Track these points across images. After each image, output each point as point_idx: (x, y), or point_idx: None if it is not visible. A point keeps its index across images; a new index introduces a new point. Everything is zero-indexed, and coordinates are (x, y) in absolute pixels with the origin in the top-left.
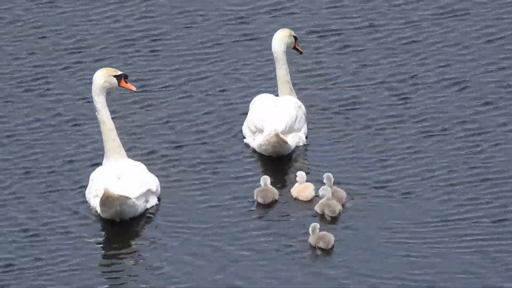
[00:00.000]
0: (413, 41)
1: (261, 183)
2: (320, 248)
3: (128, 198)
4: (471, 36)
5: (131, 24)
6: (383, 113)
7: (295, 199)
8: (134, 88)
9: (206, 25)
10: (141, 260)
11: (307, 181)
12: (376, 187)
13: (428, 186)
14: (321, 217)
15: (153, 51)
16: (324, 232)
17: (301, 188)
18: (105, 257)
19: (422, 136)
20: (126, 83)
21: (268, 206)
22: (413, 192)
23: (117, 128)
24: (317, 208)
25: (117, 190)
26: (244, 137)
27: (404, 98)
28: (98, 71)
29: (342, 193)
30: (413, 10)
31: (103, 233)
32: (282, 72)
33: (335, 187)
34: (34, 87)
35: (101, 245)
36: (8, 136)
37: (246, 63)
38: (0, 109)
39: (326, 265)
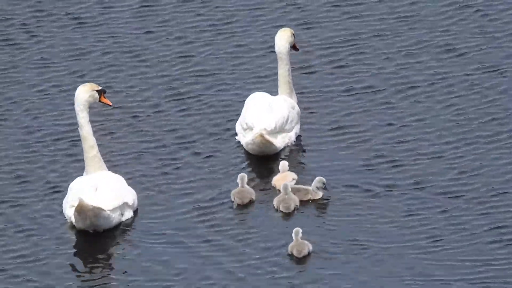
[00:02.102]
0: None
1: (238, 181)
2: (294, 256)
3: (102, 210)
4: None
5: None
6: (378, 120)
7: (274, 188)
8: (111, 103)
9: (201, 20)
10: (114, 271)
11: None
12: (360, 190)
13: (415, 191)
14: (302, 220)
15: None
16: (301, 241)
17: (280, 177)
18: (77, 267)
19: (419, 148)
20: (105, 97)
21: (247, 208)
22: (400, 199)
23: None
24: (275, 202)
25: (92, 201)
26: (236, 135)
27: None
28: (80, 86)
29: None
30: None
31: (77, 244)
32: (284, 72)
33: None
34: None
35: (74, 256)
36: None
37: (243, 61)
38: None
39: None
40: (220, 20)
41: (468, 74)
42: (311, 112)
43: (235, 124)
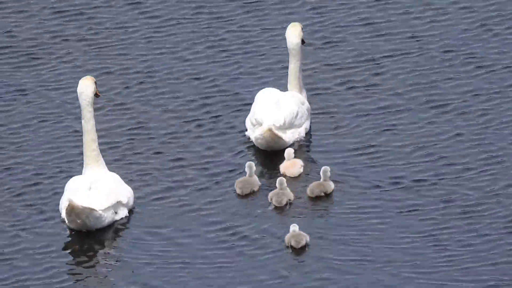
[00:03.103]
0: None
1: (246, 169)
2: (291, 247)
3: (93, 210)
4: None
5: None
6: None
7: (283, 175)
8: (100, 94)
9: (211, 13)
10: (105, 271)
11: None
12: (367, 185)
13: (420, 192)
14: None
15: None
16: (299, 232)
17: (289, 164)
18: (69, 267)
19: (426, 145)
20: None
21: (247, 203)
22: (404, 195)
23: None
24: (269, 196)
25: (83, 201)
26: (246, 130)
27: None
28: (83, 80)
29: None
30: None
31: (70, 243)
32: (295, 67)
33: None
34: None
35: (67, 256)
36: None
37: (250, 57)
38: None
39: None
40: (238, 38)
41: (496, 91)
42: (334, 130)
43: (245, 120)
